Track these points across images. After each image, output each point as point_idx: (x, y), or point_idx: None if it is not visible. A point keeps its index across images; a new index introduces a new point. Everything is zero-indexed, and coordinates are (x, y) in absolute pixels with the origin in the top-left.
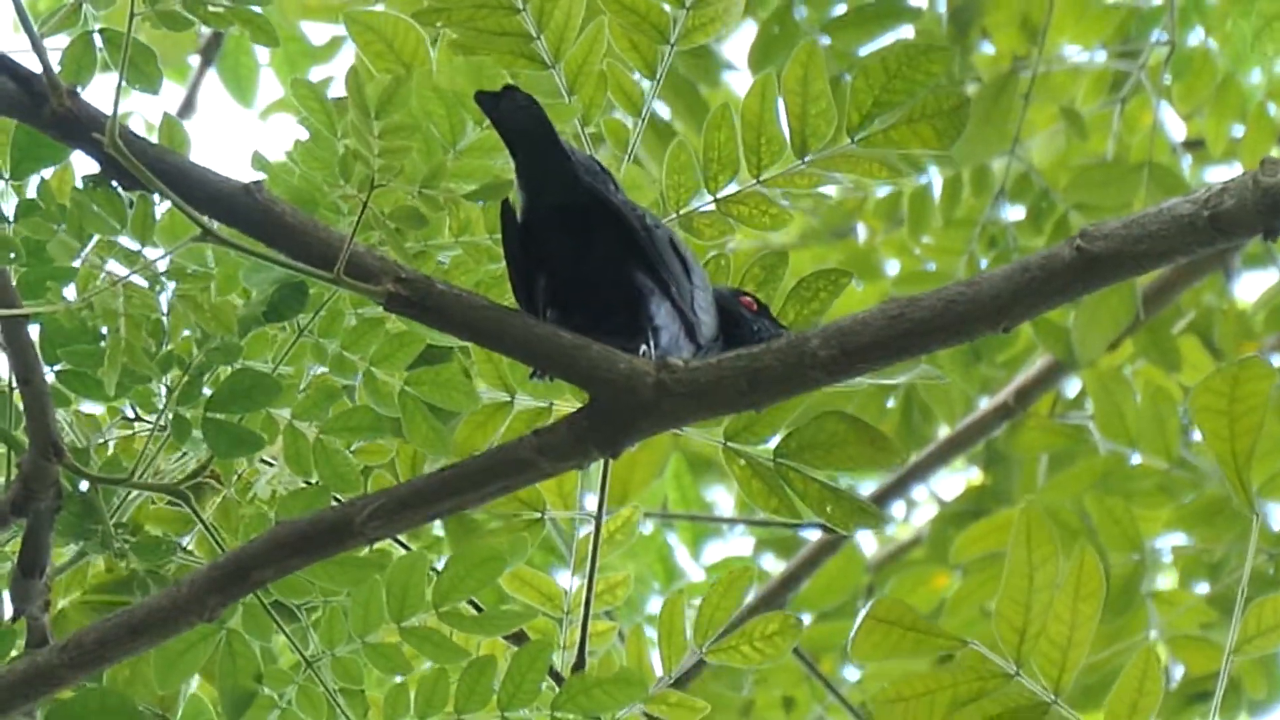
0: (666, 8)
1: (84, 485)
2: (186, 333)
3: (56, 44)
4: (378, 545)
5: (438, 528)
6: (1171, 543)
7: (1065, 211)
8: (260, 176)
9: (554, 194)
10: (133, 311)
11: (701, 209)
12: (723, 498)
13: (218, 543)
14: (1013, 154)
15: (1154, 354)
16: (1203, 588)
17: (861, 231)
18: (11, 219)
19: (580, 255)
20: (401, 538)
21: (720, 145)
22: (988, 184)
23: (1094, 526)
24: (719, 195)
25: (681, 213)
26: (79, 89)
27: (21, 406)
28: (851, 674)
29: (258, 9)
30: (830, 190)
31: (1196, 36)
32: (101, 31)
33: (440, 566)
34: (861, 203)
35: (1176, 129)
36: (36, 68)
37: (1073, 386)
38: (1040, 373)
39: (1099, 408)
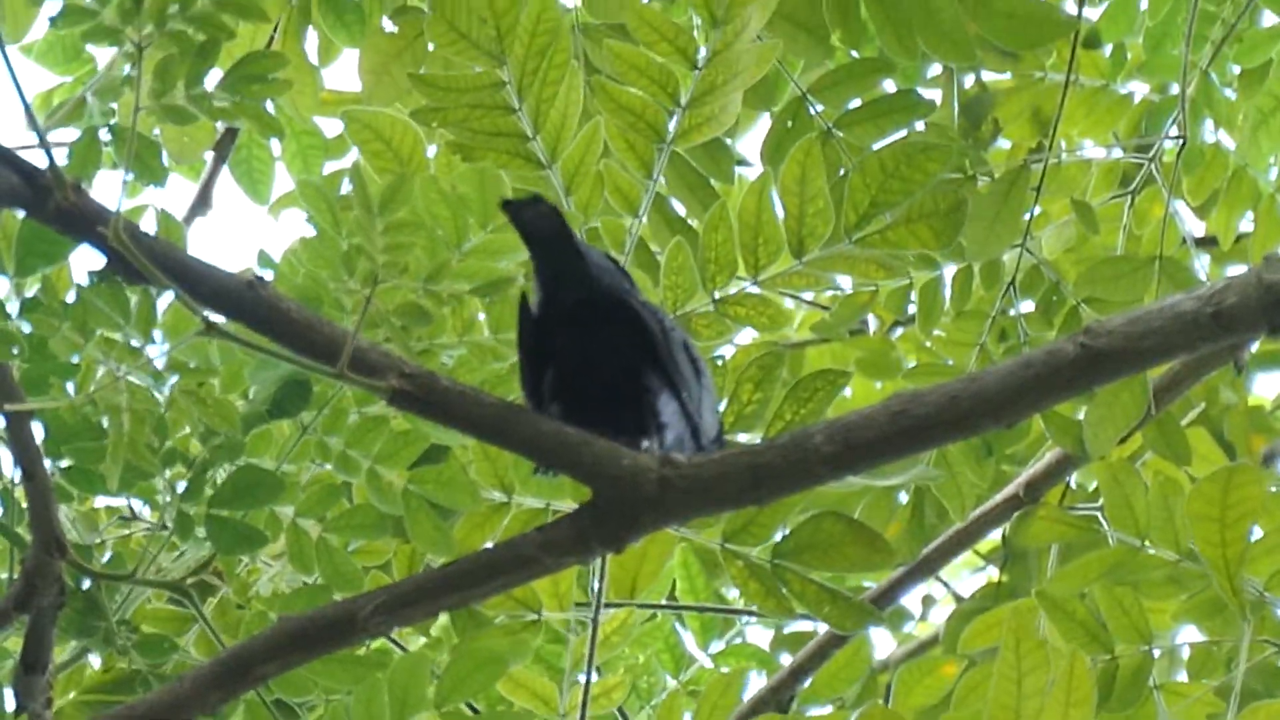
0: (663, 107)
1: (86, 582)
2: (186, 429)
3: (64, 135)
4: (378, 644)
5: (437, 627)
6: (1182, 634)
7: (1076, 305)
8: (265, 272)
9: (571, 293)
10: (136, 407)
11: (700, 310)
12: (732, 589)
13: (218, 640)
14: (1024, 246)
15: (1163, 447)
16: (1212, 680)
17: (873, 324)
18: (15, 315)
19: (592, 352)
20: (399, 638)
21: (718, 246)
22: (999, 276)
23: (1103, 617)
24: (717, 296)
25: (679, 313)
26: (84, 183)
27: (24, 503)
28: None
29: (261, 103)
30: (845, 283)
31: (1208, 130)
32: (108, 127)
33: (441, 666)
34: (873, 295)
35: (1193, 224)
36: (42, 162)
37: (1084, 477)
38: (1051, 465)
39: (1109, 499)
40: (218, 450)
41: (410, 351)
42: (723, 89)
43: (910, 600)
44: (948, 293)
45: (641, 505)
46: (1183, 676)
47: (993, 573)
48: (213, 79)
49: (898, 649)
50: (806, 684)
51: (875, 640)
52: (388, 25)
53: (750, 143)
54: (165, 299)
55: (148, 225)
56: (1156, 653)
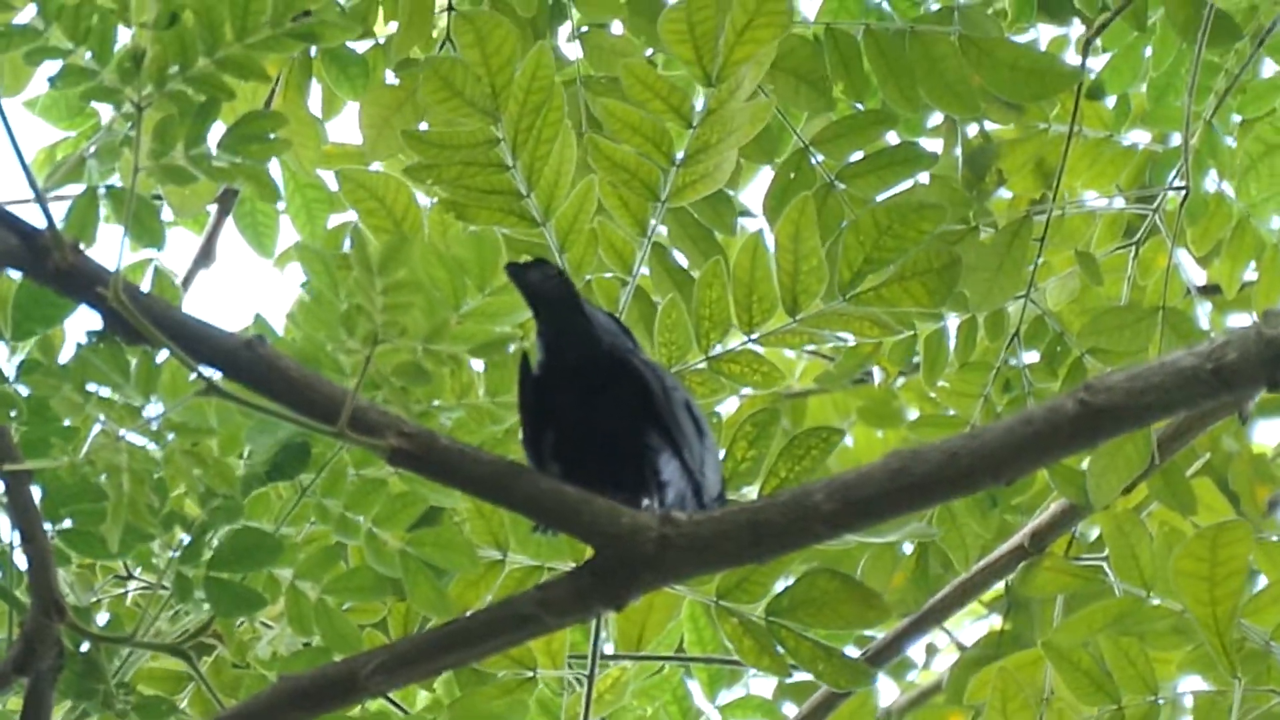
0: (657, 165)
1: (85, 645)
2: (182, 489)
3: (63, 193)
4: (376, 706)
5: (438, 684)
6: (1188, 685)
7: (1080, 356)
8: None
9: (574, 353)
10: (135, 467)
11: (694, 367)
12: None
13: (218, 701)
14: (1028, 297)
15: (1168, 497)
16: None
17: (878, 375)
18: (12, 377)
19: (593, 411)
20: (399, 697)
21: (712, 304)
22: (1003, 327)
23: (1109, 668)
24: (711, 354)
25: (674, 370)
26: (82, 245)
27: (24, 565)
28: None
29: (260, 164)
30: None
31: (1212, 180)
32: (106, 189)
33: None
34: (877, 347)
35: (1196, 273)
36: (40, 222)
37: (1092, 531)
38: (1055, 516)
39: (1114, 550)
40: (217, 512)
41: (410, 411)
42: (717, 147)
43: (913, 648)
44: (952, 344)
45: (641, 564)
46: None
47: (995, 621)
48: (213, 134)
49: (901, 697)
50: None
51: (879, 688)
52: (390, 78)
53: (752, 193)
54: (163, 358)
55: (148, 281)
56: (1161, 702)
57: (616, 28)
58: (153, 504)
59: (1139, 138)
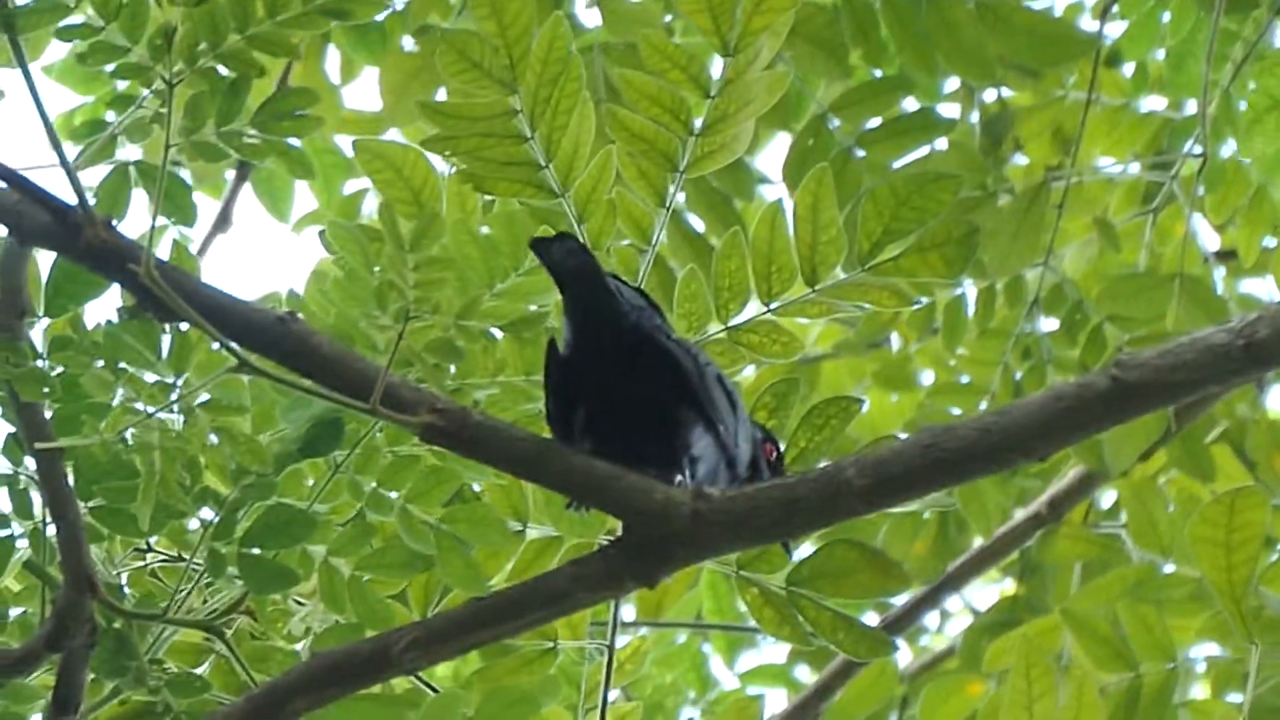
0: (675, 135)
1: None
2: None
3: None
4: (409, 684)
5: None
6: (1206, 652)
7: (1099, 323)
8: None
9: (602, 330)
10: (166, 445)
11: (713, 337)
12: None
13: (249, 676)
14: (1046, 264)
15: (1187, 464)
16: (1235, 697)
17: (895, 341)
18: (45, 354)
19: (623, 388)
20: (428, 678)
21: (731, 274)
22: (1021, 294)
23: (1126, 635)
24: (730, 324)
25: (694, 341)
26: (114, 221)
27: (56, 542)
28: None
29: (294, 142)
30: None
31: (1229, 147)
32: (136, 164)
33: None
34: (896, 314)
35: (1210, 239)
36: (70, 198)
37: (1107, 496)
38: (1074, 483)
39: (1132, 517)
40: (249, 489)
41: (443, 388)
42: (735, 117)
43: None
44: (971, 311)
45: (674, 539)
46: (1200, 691)
47: (1009, 585)
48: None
49: (913, 661)
50: (832, 701)
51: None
52: (408, 44)
53: (768, 158)
54: (194, 335)
55: (164, 251)
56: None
57: None
58: (184, 481)
59: (1155, 104)
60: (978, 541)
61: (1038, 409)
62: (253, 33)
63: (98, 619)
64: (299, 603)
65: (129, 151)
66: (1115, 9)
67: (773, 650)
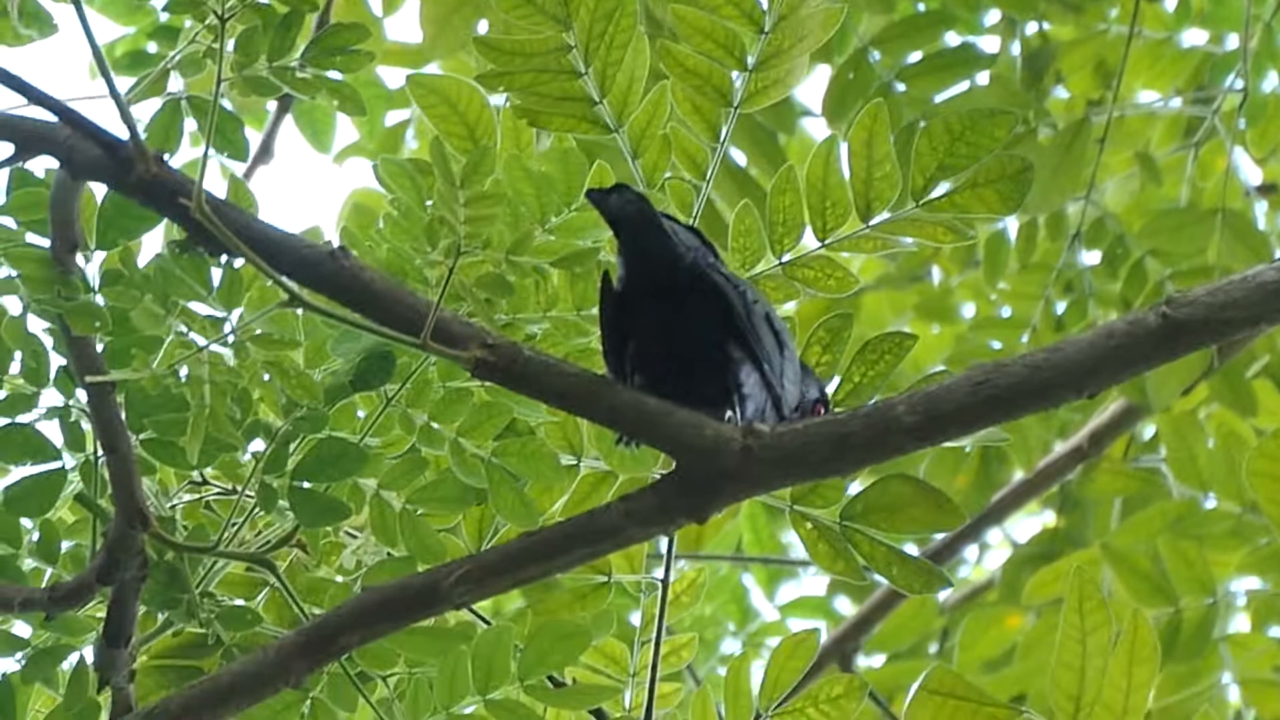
0: (729, 71)
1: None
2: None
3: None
4: (461, 617)
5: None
6: (1246, 586)
7: (1141, 257)
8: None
9: (656, 271)
10: (216, 379)
11: (767, 272)
12: (797, 538)
13: (300, 610)
14: (1088, 199)
15: (1228, 398)
16: (1276, 631)
17: (936, 274)
18: (96, 287)
19: (674, 325)
20: (482, 611)
21: (785, 209)
22: (1063, 229)
23: (1166, 570)
24: (784, 259)
25: (747, 276)
26: (165, 155)
27: (107, 475)
28: None
29: (340, 76)
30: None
31: (1270, 82)
32: (188, 99)
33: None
34: (936, 248)
35: (1252, 173)
36: (119, 131)
37: (1147, 430)
38: (1115, 416)
39: (1172, 452)
40: (300, 422)
41: (493, 323)
42: (789, 52)
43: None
44: (1013, 245)
45: (724, 475)
46: (1241, 625)
47: (1048, 518)
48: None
49: (953, 593)
50: (871, 634)
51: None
52: None
53: (807, 90)
54: (246, 269)
55: (211, 184)
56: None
57: None
58: (234, 415)
59: (1197, 39)
60: (1019, 475)
61: (1088, 346)
62: None
63: (149, 552)
64: (351, 535)
65: (175, 84)
66: None
67: (812, 582)
